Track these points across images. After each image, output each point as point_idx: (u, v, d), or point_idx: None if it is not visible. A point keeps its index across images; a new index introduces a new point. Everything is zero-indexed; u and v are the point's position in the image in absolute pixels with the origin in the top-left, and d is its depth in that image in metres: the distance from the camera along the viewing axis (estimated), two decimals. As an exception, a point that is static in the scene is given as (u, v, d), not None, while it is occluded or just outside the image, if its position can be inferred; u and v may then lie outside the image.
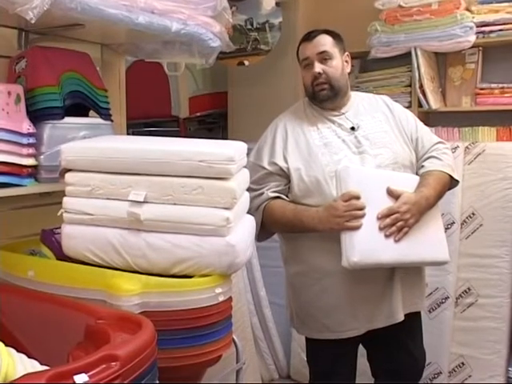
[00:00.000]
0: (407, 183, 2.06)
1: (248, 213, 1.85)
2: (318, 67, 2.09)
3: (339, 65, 2.13)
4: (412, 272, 2.11)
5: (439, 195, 2.09)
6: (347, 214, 1.91)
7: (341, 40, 2.17)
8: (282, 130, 2.16)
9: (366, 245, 1.92)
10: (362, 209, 1.92)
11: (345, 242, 1.92)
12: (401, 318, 2.06)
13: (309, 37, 2.14)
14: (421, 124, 2.25)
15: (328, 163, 2.04)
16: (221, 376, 1.86)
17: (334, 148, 2.08)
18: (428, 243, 2.04)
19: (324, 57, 2.10)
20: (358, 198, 1.93)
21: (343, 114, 2.16)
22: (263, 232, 2.13)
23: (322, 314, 2.09)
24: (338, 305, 2.05)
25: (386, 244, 1.95)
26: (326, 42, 2.12)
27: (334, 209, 1.94)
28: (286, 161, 2.10)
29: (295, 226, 2.06)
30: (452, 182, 2.17)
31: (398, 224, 1.95)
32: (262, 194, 2.09)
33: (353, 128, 2.12)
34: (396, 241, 1.95)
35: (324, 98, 2.12)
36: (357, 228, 1.91)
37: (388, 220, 1.95)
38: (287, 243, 2.19)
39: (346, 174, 1.96)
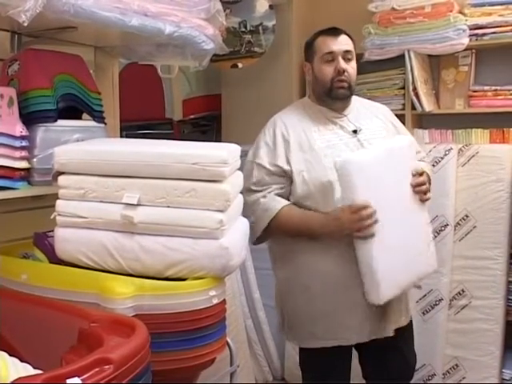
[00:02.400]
0: (401, 143, 2.08)
1: (245, 215, 1.84)
2: (344, 64, 2.10)
3: (355, 67, 2.15)
4: None
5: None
6: (356, 226, 1.92)
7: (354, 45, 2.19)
8: (283, 129, 2.12)
9: (387, 278, 1.94)
10: (371, 215, 1.90)
11: (367, 280, 1.94)
12: (390, 333, 2.08)
13: (334, 32, 2.13)
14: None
15: (331, 165, 1.99)
16: (215, 378, 1.86)
17: (336, 150, 2.06)
18: (422, 259, 2.08)
19: (348, 56, 2.12)
20: (366, 207, 1.90)
21: (345, 116, 2.16)
22: (263, 236, 2.10)
23: (310, 322, 2.08)
24: (326, 312, 2.05)
25: (399, 261, 1.97)
26: (349, 43, 2.14)
27: (341, 223, 1.95)
28: (288, 163, 2.06)
29: (302, 233, 2.05)
30: None
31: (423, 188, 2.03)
32: (265, 197, 2.06)
33: (355, 131, 2.12)
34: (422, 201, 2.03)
35: (340, 95, 2.12)
36: (370, 236, 1.91)
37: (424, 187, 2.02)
38: (278, 244, 2.16)
39: (345, 169, 1.91)
